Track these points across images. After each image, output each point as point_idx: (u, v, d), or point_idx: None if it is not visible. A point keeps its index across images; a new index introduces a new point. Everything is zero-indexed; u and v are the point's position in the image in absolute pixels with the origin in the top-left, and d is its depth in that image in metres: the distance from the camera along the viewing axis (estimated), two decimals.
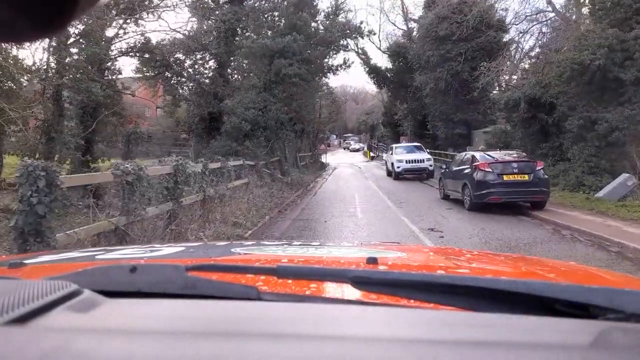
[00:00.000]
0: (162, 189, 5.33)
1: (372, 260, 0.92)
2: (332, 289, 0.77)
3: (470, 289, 0.63)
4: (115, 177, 4.06)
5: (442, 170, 12.15)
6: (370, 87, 66.00)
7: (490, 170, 9.20)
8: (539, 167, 9.23)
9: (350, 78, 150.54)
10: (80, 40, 12.04)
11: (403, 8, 32.17)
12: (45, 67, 11.31)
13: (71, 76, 11.82)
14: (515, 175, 9.09)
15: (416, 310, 0.63)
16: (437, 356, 0.41)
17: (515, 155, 10.20)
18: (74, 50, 12.11)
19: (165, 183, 5.35)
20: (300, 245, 1.54)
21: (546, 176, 9.42)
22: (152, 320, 0.54)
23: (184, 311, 0.58)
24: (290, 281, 0.79)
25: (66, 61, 11.87)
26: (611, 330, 0.48)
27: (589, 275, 1.18)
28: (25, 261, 1.01)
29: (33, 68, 10.41)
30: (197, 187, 6.62)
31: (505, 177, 9.07)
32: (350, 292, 0.69)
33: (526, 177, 9.06)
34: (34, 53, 11.26)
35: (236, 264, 0.98)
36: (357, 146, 59.60)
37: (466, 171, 9.94)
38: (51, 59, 11.47)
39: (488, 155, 9.82)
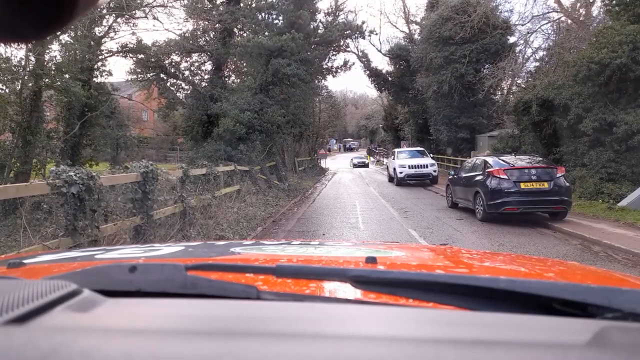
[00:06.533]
0: (127, 200, 4.45)
1: (372, 260, 0.94)
2: (331, 288, 0.77)
3: (469, 288, 0.63)
4: (54, 189, 3.20)
5: (450, 177, 11.30)
6: (371, 91, 65.64)
7: (506, 177, 8.35)
8: (560, 174, 8.38)
9: (350, 83, 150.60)
10: (61, 37, 11.21)
11: (404, 10, 31.58)
12: (22, 64, 10.47)
13: (51, 74, 10.98)
14: (534, 183, 8.24)
15: (415, 309, 0.63)
16: (436, 355, 0.41)
17: (528, 159, 9.33)
18: (54, 46, 11.28)
19: (131, 194, 4.47)
20: (299, 244, 1.51)
21: (567, 184, 8.56)
22: (152, 320, 0.54)
23: (184, 310, 0.57)
24: (289, 280, 0.80)
25: (46, 58, 11.04)
26: (609, 329, 0.47)
27: (587, 275, 1.17)
28: (25, 261, 1.02)
29: (3, 65, 9.56)
30: (176, 197, 5.74)
31: (522, 185, 8.22)
32: (349, 291, 0.70)
33: (545, 185, 8.21)
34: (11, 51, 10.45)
35: (236, 263, 1.01)
36: (360, 160, 39.28)
37: (478, 178, 9.09)
38: (30, 56, 10.64)
39: (502, 160, 8.95)
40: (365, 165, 37.32)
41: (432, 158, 19.35)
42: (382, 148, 49.13)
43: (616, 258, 5.83)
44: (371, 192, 15.75)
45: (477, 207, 9.01)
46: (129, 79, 18.47)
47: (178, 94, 19.01)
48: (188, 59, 18.15)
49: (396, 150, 21.55)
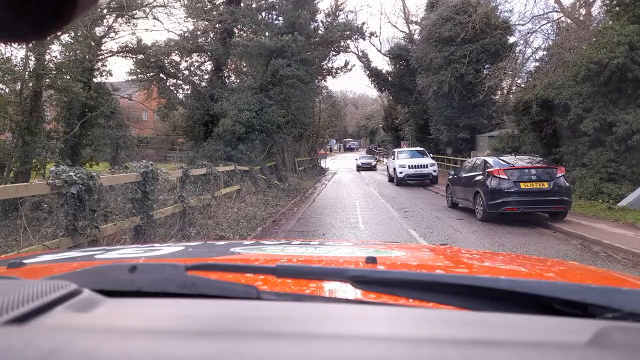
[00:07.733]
0: (127, 200, 4.46)
1: (372, 260, 0.94)
2: (331, 288, 0.77)
3: (469, 288, 0.63)
4: (54, 189, 3.20)
5: (450, 177, 11.30)
6: (371, 91, 65.62)
7: (506, 177, 8.35)
8: (560, 174, 8.38)
9: (350, 83, 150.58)
10: (61, 37, 11.21)
11: (404, 10, 31.57)
12: (22, 64, 10.47)
13: (52, 74, 10.98)
14: (534, 183, 8.24)
15: (415, 309, 0.63)
16: (436, 355, 0.41)
17: (528, 159, 9.33)
18: (55, 47, 11.28)
19: (131, 194, 4.47)
20: (299, 244, 1.51)
21: (567, 184, 8.57)
22: (152, 320, 0.54)
23: (184, 310, 0.57)
24: (289, 280, 0.80)
25: (46, 58, 11.04)
26: (609, 329, 0.47)
27: (587, 275, 1.17)
28: (25, 261, 1.02)
29: (3, 67, 9.56)
30: (176, 197, 5.74)
31: (522, 185, 8.22)
32: (349, 291, 0.71)
33: (545, 185, 8.21)
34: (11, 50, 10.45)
35: (236, 263, 1.02)
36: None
37: (478, 178, 9.09)
38: (30, 56, 10.64)
39: (502, 160, 8.96)
40: (373, 168, 31.35)
41: (432, 158, 19.35)
42: (382, 148, 49.17)
43: (616, 258, 5.83)
44: (371, 192, 15.75)
45: (477, 207, 9.01)
46: (129, 79, 18.46)
47: (178, 94, 19.01)
48: (188, 59, 18.15)
49: (396, 150, 21.54)
